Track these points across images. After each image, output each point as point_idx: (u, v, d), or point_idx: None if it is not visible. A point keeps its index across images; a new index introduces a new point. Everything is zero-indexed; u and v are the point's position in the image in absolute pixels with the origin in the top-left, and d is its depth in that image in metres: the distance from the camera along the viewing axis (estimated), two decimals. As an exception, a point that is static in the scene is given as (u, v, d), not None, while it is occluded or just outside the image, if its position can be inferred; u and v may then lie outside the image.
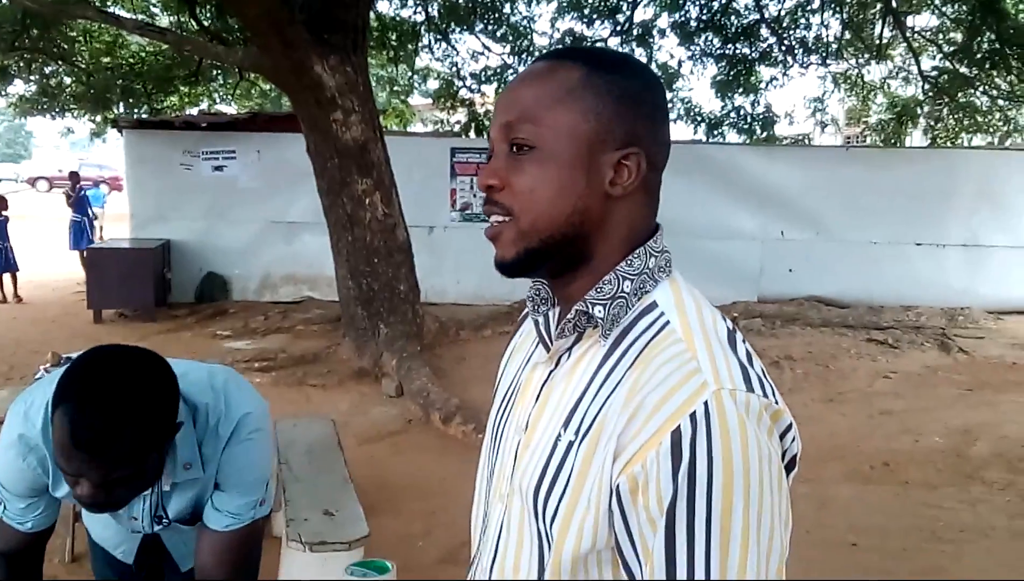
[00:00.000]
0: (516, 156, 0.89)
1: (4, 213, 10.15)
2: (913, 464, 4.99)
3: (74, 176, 12.70)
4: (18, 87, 12.81)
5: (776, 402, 0.82)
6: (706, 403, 0.77)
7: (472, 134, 12.44)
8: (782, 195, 9.86)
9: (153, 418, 1.38)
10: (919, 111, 13.38)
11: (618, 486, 0.80)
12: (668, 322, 0.85)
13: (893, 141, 13.58)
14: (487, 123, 13.04)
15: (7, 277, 9.93)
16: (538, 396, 0.93)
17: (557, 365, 0.92)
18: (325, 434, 4.05)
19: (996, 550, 3.93)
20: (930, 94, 12.38)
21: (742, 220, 9.86)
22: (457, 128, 13.25)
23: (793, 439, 0.84)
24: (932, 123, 13.72)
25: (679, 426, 0.76)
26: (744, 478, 0.75)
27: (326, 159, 6.84)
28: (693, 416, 0.76)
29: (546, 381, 0.92)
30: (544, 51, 11.83)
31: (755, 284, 9.94)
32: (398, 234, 7.09)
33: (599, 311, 0.87)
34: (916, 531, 4.10)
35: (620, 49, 12.14)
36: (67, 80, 12.55)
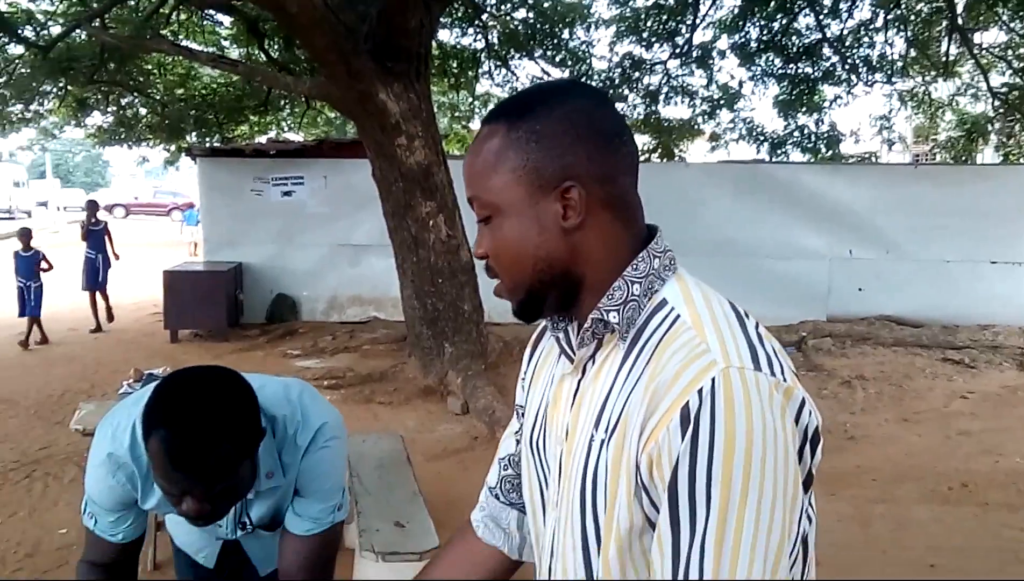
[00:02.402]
0: (486, 227, 0.97)
1: (31, 251, 9.13)
2: (993, 485, 4.83)
3: (91, 205, 10.66)
4: (96, 118, 13.36)
5: (785, 379, 0.84)
6: (713, 379, 0.80)
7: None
8: (850, 214, 9.70)
9: (242, 428, 1.44)
10: (989, 128, 13.03)
11: (639, 466, 0.84)
12: (679, 315, 0.89)
13: (963, 158, 13.24)
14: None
15: (31, 322, 8.93)
16: (572, 405, 0.97)
17: (584, 374, 0.97)
18: (394, 449, 4.10)
19: (1085, 574, 3.78)
20: (1000, 110, 12.07)
21: (809, 239, 9.72)
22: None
23: (810, 412, 0.85)
24: (1004, 140, 13.34)
25: (688, 401, 0.80)
26: (746, 452, 0.78)
27: (391, 183, 6.98)
28: (701, 391, 0.80)
29: (577, 390, 0.97)
30: (600, 76, 11.88)
31: (823, 303, 9.77)
32: (462, 255, 7.17)
33: (614, 317, 0.91)
34: (997, 553, 3.96)
35: (680, 71, 12.14)
36: (143, 111, 13.04)
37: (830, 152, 12.17)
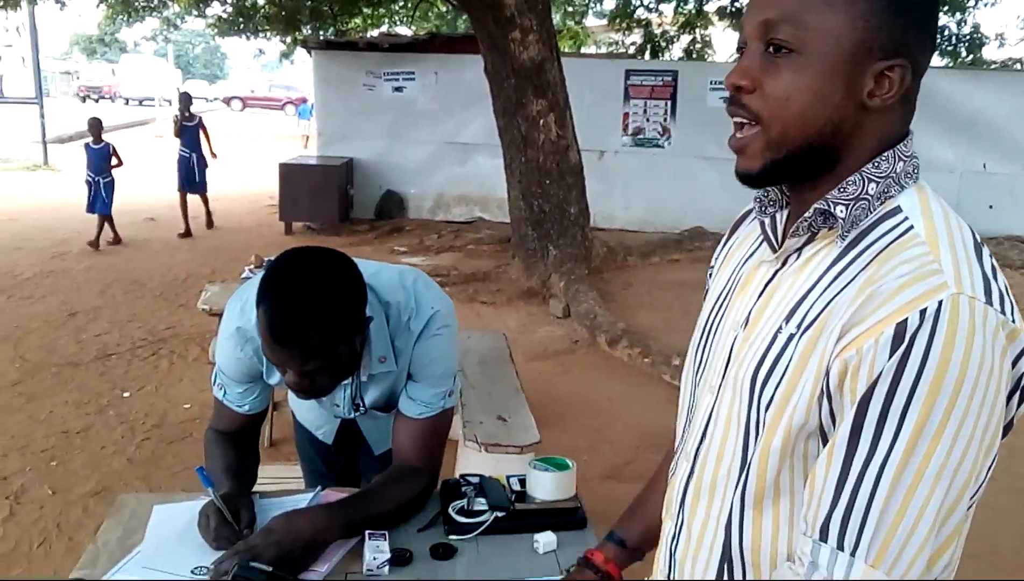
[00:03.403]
0: (773, 58, 0.84)
1: (101, 144, 8.36)
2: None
3: (185, 98, 9.54)
4: (216, 8, 13.57)
5: (1013, 321, 0.77)
6: (940, 302, 0.74)
7: (647, 56, 12.09)
8: (987, 124, 9.07)
9: (338, 314, 1.49)
10: None
11: (830, 370, 0.79)
12: (912, 227, 0.82)
13: (1123, 67, 12.09)
14: (663, 44, 12.63)
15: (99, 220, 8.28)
16: (761, 293, 0.92)
17: (784, 264, 0.91)
18: (497, 347, 4.17)
19: None
20: None
21: (939, 150, 9.13)
22: (632, 50, 12.92)
23: None
24: None
25: (907, 318, 0.74)
26: (955, 386, 0.72)
27: (503, 79, 6.90)
28: (924, 311, 0.74)
29: (771, 279, 0.92)
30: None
31: (950, 220, 9.27)
32: (571, 156, 7.08)
33: (841, 211, 0.84)
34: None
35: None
36: (260, 1, 13.16)
37: (971, 56, 11.30)
